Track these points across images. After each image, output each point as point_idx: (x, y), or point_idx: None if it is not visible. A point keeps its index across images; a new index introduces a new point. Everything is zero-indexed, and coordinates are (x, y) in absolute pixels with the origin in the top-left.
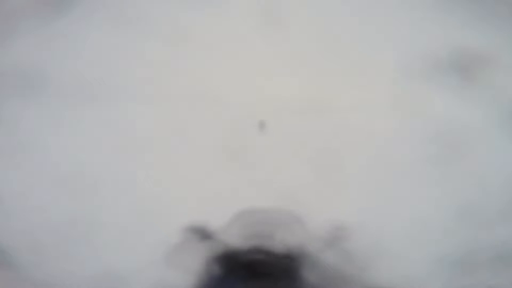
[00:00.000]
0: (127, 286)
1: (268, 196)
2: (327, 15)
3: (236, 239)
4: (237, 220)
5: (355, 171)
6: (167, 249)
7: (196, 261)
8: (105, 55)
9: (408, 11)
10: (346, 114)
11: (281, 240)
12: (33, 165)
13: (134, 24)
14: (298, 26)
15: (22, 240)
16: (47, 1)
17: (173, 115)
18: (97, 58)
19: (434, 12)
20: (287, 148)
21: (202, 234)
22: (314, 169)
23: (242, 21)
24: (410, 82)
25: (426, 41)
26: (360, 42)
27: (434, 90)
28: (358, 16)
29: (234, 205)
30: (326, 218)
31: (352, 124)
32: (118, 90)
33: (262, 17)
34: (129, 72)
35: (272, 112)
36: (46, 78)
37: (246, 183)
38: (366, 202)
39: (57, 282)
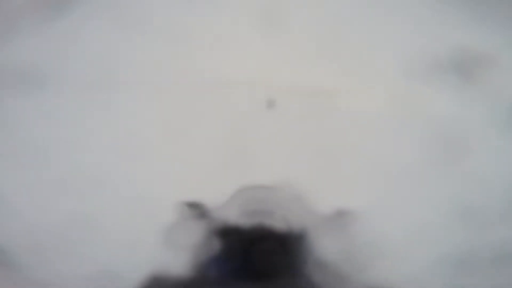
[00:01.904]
0: (126, 283)
1: (270, 178)
2: (327, 15)
3: (236, 216)
4: (237, 197)
5: (355, 172)
6: (167, 229)
7: (196, 240)
8: (105, 55)
9: (408, 11)
10: (346, 114)
11: (282, 218)
12: (33, 165)
13: (134, 24)
14: (298, 26)
15: (22, 240)
16: (47, 1)
17: (176, 108)
18: (97, 58)
19: (434, 12)
20: (289, 136)
21: (202, 211)
22: (314, 166)
23: (243, 19)
24: (410, 82)
25: (426, 41)
26: (360, 42)
27: (434, 90)
28: (358, 16)
29: (235, 184)
30: (326, 212)
31: (352, 125)
32: (118, 90)
33: (263, 14)
34: (130, 71)
35: (275, 99)
36: (46, 78)
37: (249, 165)
38: (366, 202)
39: (57, 282)
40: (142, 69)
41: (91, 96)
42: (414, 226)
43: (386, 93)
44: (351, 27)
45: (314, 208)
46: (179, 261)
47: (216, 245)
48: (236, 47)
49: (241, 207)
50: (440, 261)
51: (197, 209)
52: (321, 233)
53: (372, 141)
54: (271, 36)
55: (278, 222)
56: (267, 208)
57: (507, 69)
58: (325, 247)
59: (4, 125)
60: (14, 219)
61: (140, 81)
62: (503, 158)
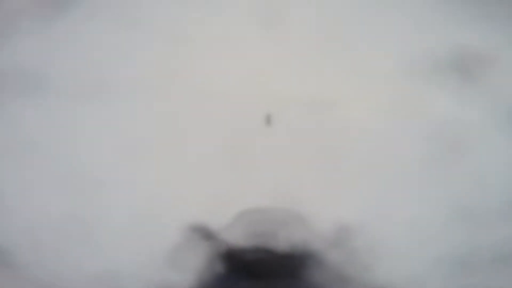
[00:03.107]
0: (127, 285)
1: (270, 195)
2: (327, 15)
3: (239, 238)
4: (240, 219)
5: (355, 172)
6: (170, 248)
7: (198, 260)
8: (105, 55)
9: (409, 11)
10: (346, 114)
11: (284, 239)
12: (33, 165)
13: (134, 24)
14: (298, 26)
15: (22, 240)
16: (47, 1)
17: (175, 113)
18: (97, 58)
19: (434, 12)
20: (289, 148)
21: (205, 233)
22: (315, 171)
23: (243, 21)
24: (410, 82)
25: (426, 41)
26: (360, 42)
27: (434, 90)
28: (358, 16)
29: (236, 204)
30: (327, 217)
31: (352, 125)
32: (118, 90)
33: (262, 16)
34: (130, 72)
35: (273, 109)
36: (46, 78)
37: (249, 182)
38: (367, 202)
39: (57, 282)
40: (141, 71)
41: (91, 97)
42: (415, 226)
43: (387, 93)
44: (351, 28)
45: (317, 221)
46: (183, 279)
47: (220, 267)
48: (234, 51)
49: (243, 229)
50: (440, 261)
51: (201, 231)
52: (321, 250)
53: (372, 141)
54: (269, 38)
55: (280, 243)
56: (269, 229)
57: (507, 69)
58: (326, 262)
59: (4, 125)
60: (14, 219)
61: (140, 81)
62: (503, 158)
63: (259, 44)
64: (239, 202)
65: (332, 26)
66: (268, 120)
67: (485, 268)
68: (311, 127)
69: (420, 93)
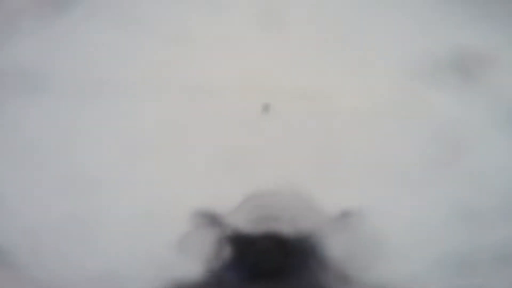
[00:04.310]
0: (128, 285)
1: (273, 182)
2: (327, 15)
3: (245, 222)
4: (246, 204)
5: (355, 172)
6: (177, 236)
7: (206, 246)
8: (105, 55)
9: (409, 11)
10: (347, 114)
11: (290, 223)
12: (33, 165)
13: (134, 24)
14: (298, 26)
15: (22, 240)
16: (47, 1)
17: (175, 110)
18: (97, 58)
19: (434, 12)
20: (290, 138)
21: (212, 219)
22: (315, 169)
23: (242, 20)
24: (411, 82)
25: (426, 41)
26: (361, 42)
27: (434, 90)
28: (358, 17)
29: (241, 190)
30: (326, 206)
31: (353, 124)
32: (118, 90)
33: (262, 16)
34: (129, 72)
35: (273, 107)
36: (46, 78)
37: (251, 171)
38: (366, 202)
39: (57, 282)
40: (141, 71)
41: (91, 97)
42: (415, 226)
43: (386, 93)
44: (351, 28)
45: (318, 211)
46: (185, 266)
47: (226, 252)
48: (233, 50)
49: (249, 214)
50: (441, 261)
51: (206, 218)
52: (325, 235)
53: (372, 142)
54: (269, 37)
55: (286, 227)
56: (274, 214)
57: (507, 69)
58: (330, 248)
59: (4, 126)
60: (14, 219)
61: (140, 81)
62: (503, 158)
63: (259, 44)
64: (242, 189)
65: (332, 26)
66: (266, 109)
67: (485, 268)
68: (311, 121)
69: (420, 93)
